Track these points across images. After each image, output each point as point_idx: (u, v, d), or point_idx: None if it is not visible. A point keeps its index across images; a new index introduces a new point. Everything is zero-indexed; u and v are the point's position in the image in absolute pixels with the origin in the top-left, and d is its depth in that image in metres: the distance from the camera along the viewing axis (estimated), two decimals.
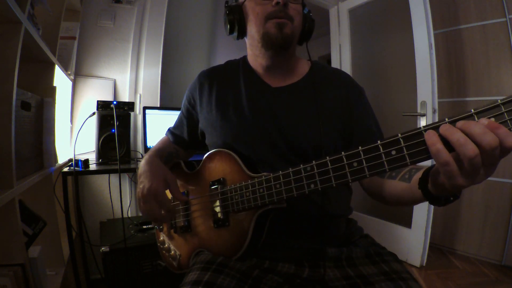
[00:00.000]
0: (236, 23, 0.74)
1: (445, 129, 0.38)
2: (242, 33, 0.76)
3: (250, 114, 0.73)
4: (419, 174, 0.51)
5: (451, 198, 0.47)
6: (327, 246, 0.69)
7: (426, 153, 0.41)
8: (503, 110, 0.36)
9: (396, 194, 0.60)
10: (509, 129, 0.36)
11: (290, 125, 0.72)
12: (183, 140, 0.87)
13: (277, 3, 0.67)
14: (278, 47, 0.71)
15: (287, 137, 0.71)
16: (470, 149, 0.35)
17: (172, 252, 0.80)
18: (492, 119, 0.37)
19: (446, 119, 0.39)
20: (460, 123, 0.37)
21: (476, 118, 0.38)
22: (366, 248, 0.70)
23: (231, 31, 0.76)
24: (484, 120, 0.36)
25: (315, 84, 0.75)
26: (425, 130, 0.40)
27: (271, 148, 0.71)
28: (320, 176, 0.52)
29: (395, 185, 0.60)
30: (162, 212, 0.68)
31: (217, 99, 0.78)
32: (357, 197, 2.06)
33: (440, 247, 2.15)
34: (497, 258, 1.88)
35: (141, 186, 0.69)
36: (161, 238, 0.86)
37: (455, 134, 0.37)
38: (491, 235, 1.92)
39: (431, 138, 0.39)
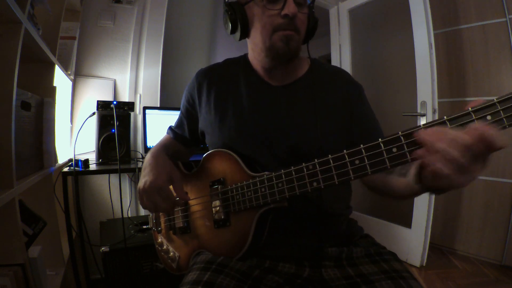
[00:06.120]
0: (239, 24, 0.70)
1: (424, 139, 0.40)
2: (244, 35, 0.73)
3: (250, 115, 0.73)
4: (413, 169, 0.49)
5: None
6: (327, 245, 0.69)
7: None
8: (499, 108, 0.38)
9: (394, 189, 0.59)
10: (505, 127, 0.37)
11: (291, 126, 0.71)
12: (185, 138, 0.87)
13: (286, 15, 0.64)
14: (284, 60, 0.70)
15: (288, 139, 0.70)
16: (456, 153, 0.37)
17: (171, 253, 0.80)
18: (489, 117, 0.38)
19: (445, 117, 0.40)
20: (431, 132, 0.40)
21: (473, 116, 0.39)
22: (367, 248, 0.70)
23: (233, 31, 0.73)
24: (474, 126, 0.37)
25: (314, 83, 0.74)
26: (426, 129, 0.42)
27: (271, 150, 0.70)
28: (322, 174, 0.52)
29: (393, 180, 0.59)
30: (166, 206, 0.68)
31: (216, 99, 0.77)
32: (357, 197, 2.07)
33: (440, 247, 2.15)
34: (497, 258, 1.88)
35: (143, 180, 0.69)
36: (159, 239, 0.85)
37: (436, 144, 0.38)
38: (491, 235, 1.92)
39: (418, 154, 0.41)
